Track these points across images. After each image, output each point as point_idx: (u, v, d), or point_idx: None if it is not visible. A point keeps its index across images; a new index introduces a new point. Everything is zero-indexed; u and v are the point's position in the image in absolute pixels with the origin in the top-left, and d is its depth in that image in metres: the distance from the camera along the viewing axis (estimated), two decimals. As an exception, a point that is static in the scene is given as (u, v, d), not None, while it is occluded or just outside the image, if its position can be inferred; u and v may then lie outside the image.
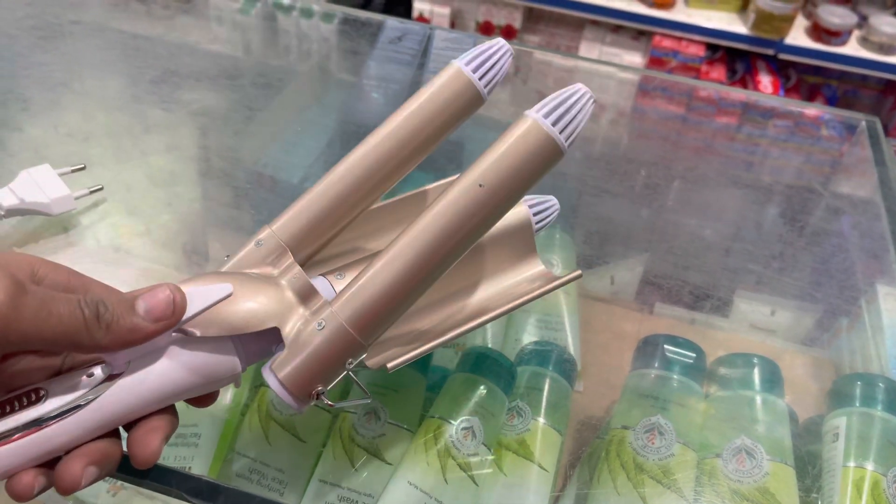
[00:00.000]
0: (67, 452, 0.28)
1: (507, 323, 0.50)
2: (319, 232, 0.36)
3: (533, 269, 0.41)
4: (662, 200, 0.65)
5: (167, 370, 0.29)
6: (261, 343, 0.32)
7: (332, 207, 0.36)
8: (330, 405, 0.32)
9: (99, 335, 0.27)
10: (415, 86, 0.69)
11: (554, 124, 0.32)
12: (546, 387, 0.43)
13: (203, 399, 0.32)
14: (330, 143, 0.63)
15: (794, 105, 0.76)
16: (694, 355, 0.42)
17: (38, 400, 0.28)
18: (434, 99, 0.36)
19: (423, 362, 0.43)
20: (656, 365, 0.42)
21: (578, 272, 0.38)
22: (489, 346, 0.48)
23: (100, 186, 0.52)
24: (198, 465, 0.39)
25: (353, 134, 0.64)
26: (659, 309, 0.55)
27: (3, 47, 0.65)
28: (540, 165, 0.32)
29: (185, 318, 0.29)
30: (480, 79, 0.36)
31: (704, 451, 0.39)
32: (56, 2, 0.75)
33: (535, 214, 0.41)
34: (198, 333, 0.30)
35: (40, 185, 0.48)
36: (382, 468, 0.39)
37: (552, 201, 0.42)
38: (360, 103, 0.69)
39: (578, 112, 0.32)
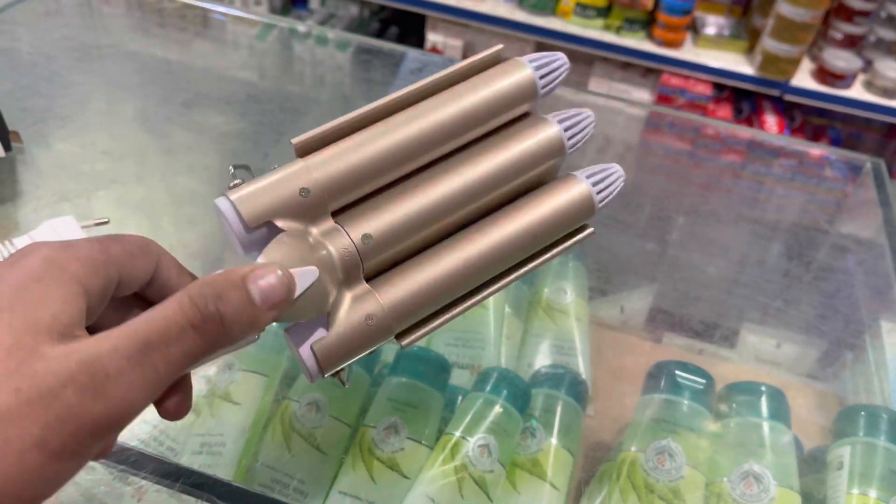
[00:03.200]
0: None
1: (521, 347, 0.52)
2: (358, 191, 0.32)
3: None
4: (672, 234, 0.66)
5: None
6: None
7: (380, 166, 0.31)
8: (343, 383, 0.31)
9: (219, 338, 0.24)
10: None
11: (595, 185, 0.36)
12: (559, 409, 0.44)
13: (177, 410, 0.28)
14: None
15: (801, 145, 0.78)
16: (704, 382, 0.44)
17: None
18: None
19: (441, 381, 0.45)
20: (667, 390, 0.44)
21: (591, 230, 0.36)
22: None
23: None
24: (222, 473, 0.41)
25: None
26: (667, 338, 0.56)
27: (42, 67, 0.68)
28: (574, 217, 0.35)
29: None
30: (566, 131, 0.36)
31: (713, 475, 0.40)
32: (90, 24, 0.78)
33: (594, 185, 0.36)
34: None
35: (62, 237, 0.47)
36: (400, 481, 0.40)
37: (613, 169, 0.37)
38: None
39: (613, 183, 0.37)
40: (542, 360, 0.50)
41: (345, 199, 0.32)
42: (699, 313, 0.58)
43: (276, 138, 0.65)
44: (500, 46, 0.36)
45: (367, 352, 0.31)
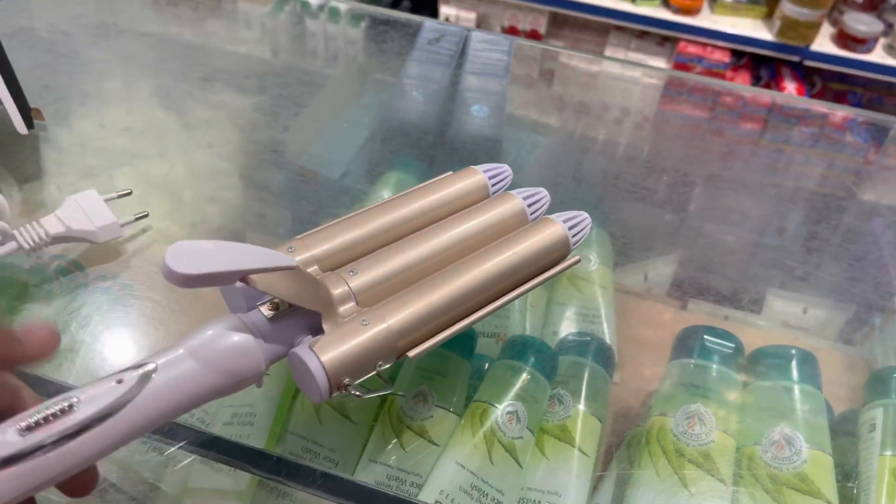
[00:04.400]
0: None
1: (545, 315, 0.52)
2: (346, 255, 0.38)
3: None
4: (694, 202, 0.66)
5: (195, 372, 0.30)
6: (283, 339, 0.33)
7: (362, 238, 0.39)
8: (357, 395, 0.33)
9: None
10: (453, 86, 0.71)
11: (570, 229, 0.42)
12: (586, 376, 0.44)
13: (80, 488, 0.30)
14: (371, 139, 0.65)
15: (825, 107, 0.76)
16: (733, 346, 0.44)
17: (70, 410, 0.27)
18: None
19: (467, 349, 0.45)
20: (696, 355, 0.43)
21: (577, 258, 0.42)
22: (529, 336, 0.49)
23: (144, 213, 0.51)
24: (253, 443, 0.41)
25: (396, 131, 0.66)
26: (692, 305, 0.56)
27: (62, 44, 0.68)
28: (552, 254, 0.41)
29: (254, 268, 0.30)
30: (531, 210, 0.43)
31: (744, 439, 0.40)
32: (104, 2, 0.78)
33: (570, 228, 0.42)
34: (259, 287, 0.31)
35: (87, 211, 0.47)
36: (430, 449, 0.40)
37: (584, 216, 0.43)
38: (399, 102, 0.70)
39: (583, 229, 0.43)
40: (567, 327, 0.50)
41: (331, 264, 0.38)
42: (724, 280, 0.57)
43: (296, 111, 0.64)
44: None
45: (369, 365, 0.33)
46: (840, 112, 0.75)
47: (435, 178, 0.44)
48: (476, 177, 0.44)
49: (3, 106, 0.52)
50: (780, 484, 0.38)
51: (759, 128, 0.76)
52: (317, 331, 0.34)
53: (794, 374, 0.42)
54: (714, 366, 0.43)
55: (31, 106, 0.54)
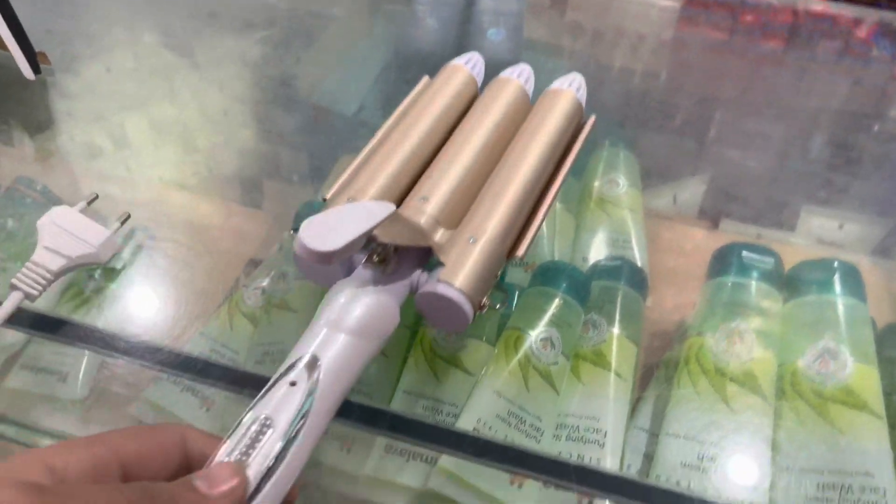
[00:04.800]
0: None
1: (574, 242, 0.50)
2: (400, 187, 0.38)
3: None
4: (722, 121, 0.64)
5: (351, 344, 0.29)
6: (401, 284, 0.34)
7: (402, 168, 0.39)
8: (499, 307, 0.35)
9: None
10: (468, 9, 0.68)
11: (577, 91, 0.44)
12: (619, 300, 0.43)
13: None
14: (386, 69, 0.63)
15: (850, 10, 0.73)
16: (772, 261, 0.42)
17: (266, 429, 0.26)
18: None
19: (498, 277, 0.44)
20: (734, 272, 0.42)
21: (593, 117, 0.44)
22: (559, 263, 0.48)
23: (127, 214, 0.45)
24: (286, 380, 0.41)
25: (411, 60, 0.64)
26: (724, 225, 0.54)
27: (62, -15, 0.66)
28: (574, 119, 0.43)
29: (375, 223, 0.30)
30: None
31: (786, 355, 0.39)
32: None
33: (576, 90, 0.44)
34: (384, 240, 0.32)
35: (72, 231, 0.41)
36: (464, 378, 0.40)
37: (576, 74, 0.45)
38: (412, 30, 0.68)
39: (583, 86, 0.45)
40: (596, 252, 0.49)
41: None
42: (755, 199, 0.56)
43: (308, 43, 0.62)
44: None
45: (492, 278, 0.35)
46: (869, 18, 0.72)
47: (419, 86, 0.45)
48: (463, 72, 0.45)
49: (9, 52, 0.51)
50: (824, 398, 0.37)
51: (782, 46, 0.73)
52: (419, 266, 0.35)
53: (837, 287, 0.41)
54: (753, 283, 0.42)
55: (37, 50, 0.53)
